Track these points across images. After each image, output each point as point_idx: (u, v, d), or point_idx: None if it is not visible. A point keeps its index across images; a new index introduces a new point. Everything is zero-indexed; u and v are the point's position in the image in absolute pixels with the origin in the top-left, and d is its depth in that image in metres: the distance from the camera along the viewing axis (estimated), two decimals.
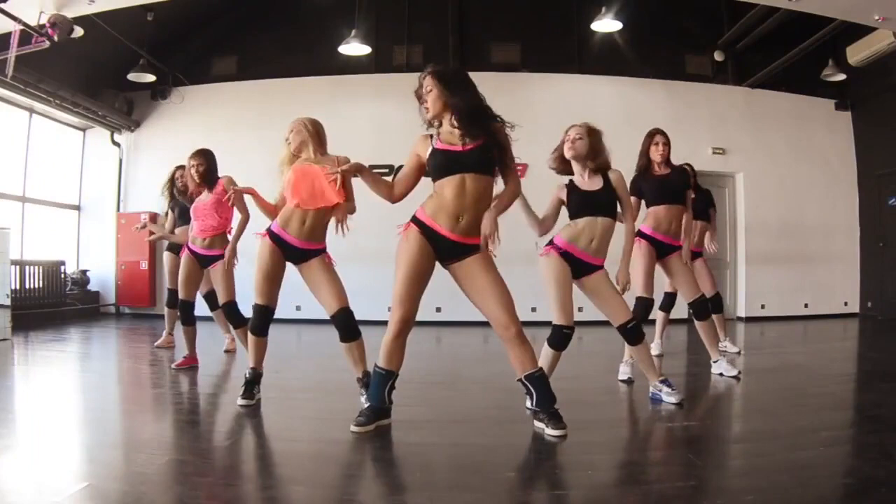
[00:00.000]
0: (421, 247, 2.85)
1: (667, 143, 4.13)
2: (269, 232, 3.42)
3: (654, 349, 4.83)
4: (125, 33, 7.64)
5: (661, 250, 4.14)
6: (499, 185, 2.97)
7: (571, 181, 3.50)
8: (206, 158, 4.54)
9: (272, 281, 3.41)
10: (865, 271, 8.90)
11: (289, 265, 3.46)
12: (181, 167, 5.31)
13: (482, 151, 2.83)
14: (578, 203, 3.43)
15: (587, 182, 3.44)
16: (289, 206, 3.39)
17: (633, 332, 3.45)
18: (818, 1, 5.96)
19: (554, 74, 8.64)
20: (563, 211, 3.54)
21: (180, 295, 4.61)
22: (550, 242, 3.42)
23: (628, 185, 3.74)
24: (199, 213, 4.55)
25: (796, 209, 8.77)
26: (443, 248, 2.87)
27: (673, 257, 4.14)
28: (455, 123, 2.84)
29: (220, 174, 4.57)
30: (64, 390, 4.12)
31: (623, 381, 4.09)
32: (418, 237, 2.86)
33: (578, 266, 3.38)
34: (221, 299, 4.55)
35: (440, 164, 2.85)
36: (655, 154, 4.12)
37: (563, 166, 3.51)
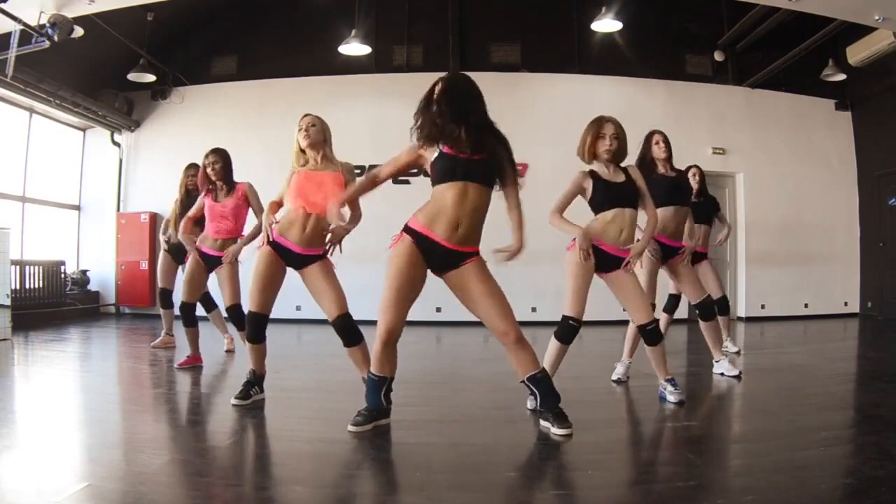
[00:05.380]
0: (411, 256, 2.83)
1: (666, 141, 4.13)
2: (270, 241, 3.40)
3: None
4: (125, 33, 7.65)
5: (665, 253, 4.14)
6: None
7: (594, 172, 3.49)
8: (221, 156, 4.51)
9: (268, 289, 3.39)
10: (865, 271, 8.90)
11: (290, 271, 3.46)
12: (193, 165, 5.31)
13: (488, 164, 2.84)
14: (605, 195, 3.42)
15: (610, 174, 3.45)
16: (289, 215, 3.39)
17: (653, 333, 3.46)
18: (818, 1, 5.96)
19: (554, 74, 8.64)
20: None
21: (183, 297, 4.54)
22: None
23: None
24: (216, 215, 4.51)
25: (796, 209, 8.77)
26: (436, 257, 2.85)
27: (677, 260, 4.13)
28: (465, 134, 2.83)
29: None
30: (64, 390, 4.12)
31: (614, 381, 4.11)
32: (410, 246, 2.84)
33: (606, 260, 3.40)
34: (227, 302, 4.52)
35: (446, 168, 2.82)
36: (659, 152, 4.10)
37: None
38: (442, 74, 2.99)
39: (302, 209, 3.35)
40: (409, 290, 2.84)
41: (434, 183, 2.88)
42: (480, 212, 2.86)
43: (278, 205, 3.52)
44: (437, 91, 2.87)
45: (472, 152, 2.82)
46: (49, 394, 3.93)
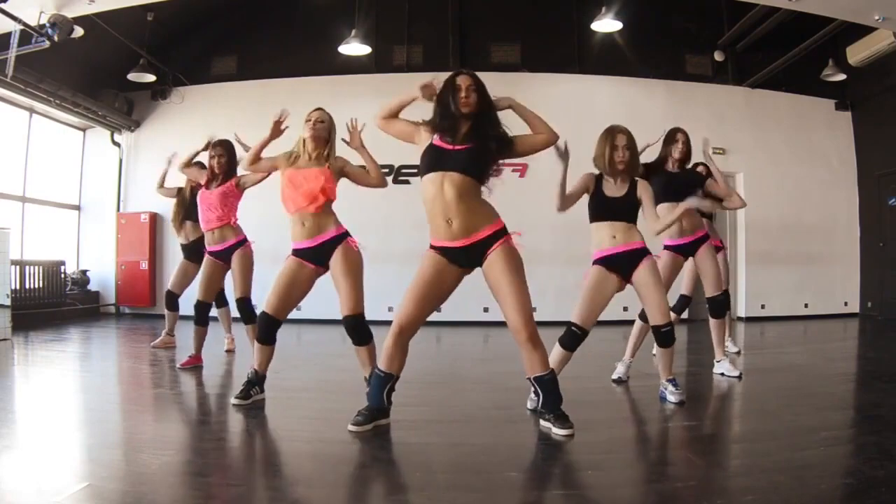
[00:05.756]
0: (434, 259, 2.89)
1: (686, 143, 4.16)
2: (292, 251, 3.45)
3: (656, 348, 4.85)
4: (125, 33, 7.65)
5: (687, 252, 4.14)
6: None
7: (599, 178, 3.51)
8: (226, 150, 4.55)
9: (285, 294, 3.41)
10: (865, 271, 8.90)
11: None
12: (198, 164, 5.32)
13: (469, 154, 2.82)
14: (598, 207, 3.47)
15: (615, 187, 3.46)
16: (289, 218, 3.45)
17: (667, 335, 3.46)
18: (818, 1, 5.96)
19: (554, 74, 8.63)
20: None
21: (199, 296, 4.58)
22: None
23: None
24: (204, 203, 4.55)
25: (796, 209, 8.77)
26: (462, 258, 2.88)
27: (701, 250, 4.14)
28: (469, 124, 2.86)
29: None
30: (64, 390, 4.12)
31: (614, 380, 4.12)
32: (433, 254, 2.91)
33: (622, 262, 3.41)
34: (236, 294, 4.56)
35: (427, 159, 2.88)
36: (675, 151, 4.14)
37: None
38: (448, 73, 2.99)
39: (293, 209, 3.40)
40: (427, 288, 2.87)
41: (420, 175, 2.93)
42: (466, 199, 2.82)
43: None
44: (466, 86, 2.89)
45: (461, 142, 2.83)
46: (49, 394, 3.93)
